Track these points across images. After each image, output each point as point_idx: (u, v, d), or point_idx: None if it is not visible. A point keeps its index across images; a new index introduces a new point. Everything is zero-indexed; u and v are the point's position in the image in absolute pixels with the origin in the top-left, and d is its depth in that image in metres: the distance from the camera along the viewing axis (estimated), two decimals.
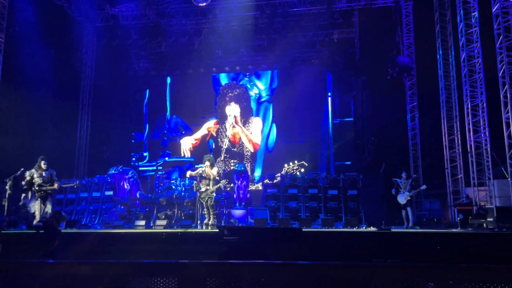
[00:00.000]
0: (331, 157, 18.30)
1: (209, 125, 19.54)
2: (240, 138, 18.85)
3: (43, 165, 11.06)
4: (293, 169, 14.82)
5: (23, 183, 10.97)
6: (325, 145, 18.44)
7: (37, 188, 10.87)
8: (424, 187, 12.54)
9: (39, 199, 10.94)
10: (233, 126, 18.73)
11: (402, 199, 11.91)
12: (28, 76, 16.32)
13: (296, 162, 15.06)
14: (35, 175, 10.94)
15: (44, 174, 11.00)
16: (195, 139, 19.40)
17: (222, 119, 19.37)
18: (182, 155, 19.18)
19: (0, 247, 7.65)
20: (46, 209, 10.95)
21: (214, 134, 19.33)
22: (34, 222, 10.71)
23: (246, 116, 19.18)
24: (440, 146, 16.08)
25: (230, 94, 19.42)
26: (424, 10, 16.69)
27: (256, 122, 19.14)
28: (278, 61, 18.74)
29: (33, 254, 8.55)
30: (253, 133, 18.99)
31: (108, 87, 19.11)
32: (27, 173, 10.99)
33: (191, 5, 16.75)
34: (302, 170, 14.83)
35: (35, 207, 11.08)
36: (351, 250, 8.75)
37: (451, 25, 15.67)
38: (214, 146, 19.29)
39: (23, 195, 11.30)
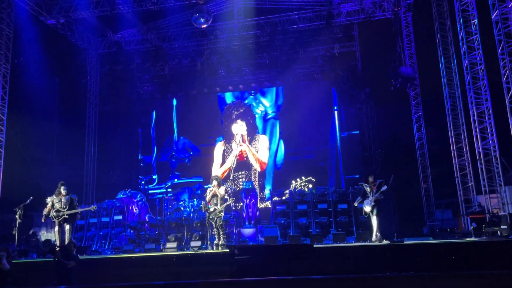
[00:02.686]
0: (340, 171, 18.12)
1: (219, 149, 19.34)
2: (247, 157, 18.79)
3: (62, 190, 10.96)
4: (300, 185, 14.69)
5: (46, 210, 10.88)
6: (334, 159, 18.30)
7: (54, 214, 10.77)
8: (385, 187, 10.64)
9: (57, 225, 10.81)
10: (240, 145, 18.64)
11: (367, 206, 10.87)
12: (33, 104, 16.58)
13: (303, 178, 14.94)
14: (55, 201, 10.89)
15: (63, 199, 10.90)
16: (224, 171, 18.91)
17: (228, 138, 19.28)
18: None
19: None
20: (64, 235, 10.84)
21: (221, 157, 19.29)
22: (57, 248, 10.65)
23: (251, 134, 19.08)
24: (448, 154, 15.92)
25: (235, 112, 19.35)
26: (424, 20, 16.76)
27: (262, 140, 19.03)
28: (281, 78, 18.81)
29: (46, 283, 8.53)
30: (260, 151, 18.86)
31: (113, 112, 19.32)
32: (48, 199, 10.96)
33: (192, 27, 16.99)
34: (310, 185, 14.71)
35: (55, 234, 10.94)
36: (365, 265, 8.64)
37: (452, 33, 15.69)
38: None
39: (43, 218, 11.21)
